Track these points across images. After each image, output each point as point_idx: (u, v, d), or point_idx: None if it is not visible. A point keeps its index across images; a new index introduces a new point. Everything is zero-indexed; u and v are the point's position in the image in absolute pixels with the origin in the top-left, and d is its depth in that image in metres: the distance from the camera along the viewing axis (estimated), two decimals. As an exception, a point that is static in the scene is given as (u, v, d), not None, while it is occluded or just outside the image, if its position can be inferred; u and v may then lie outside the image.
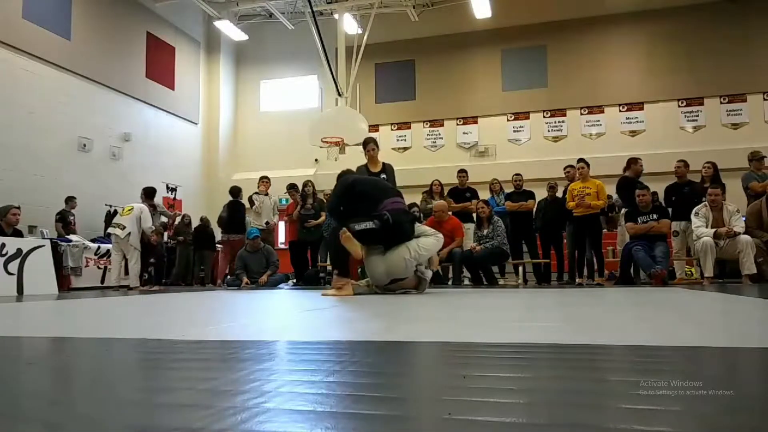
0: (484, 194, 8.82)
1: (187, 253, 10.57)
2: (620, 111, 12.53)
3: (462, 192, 8.63)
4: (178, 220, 10.66)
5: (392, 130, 13.78)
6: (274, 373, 1.12)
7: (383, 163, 6.44)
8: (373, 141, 6.56)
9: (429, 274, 4.80)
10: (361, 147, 6.51)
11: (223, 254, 9.82)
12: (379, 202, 4.62)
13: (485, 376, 1.08)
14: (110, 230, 8.12)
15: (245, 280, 7.99)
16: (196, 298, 4.87)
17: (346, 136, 10.18)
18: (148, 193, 8.74)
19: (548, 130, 12.89)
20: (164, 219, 9.62)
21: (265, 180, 9.21)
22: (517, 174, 8.68)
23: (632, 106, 12.46)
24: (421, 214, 8.38)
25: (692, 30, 12.15)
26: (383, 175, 6.30)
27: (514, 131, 13.07)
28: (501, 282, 8.02)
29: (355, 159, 11.06)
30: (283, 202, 10.35)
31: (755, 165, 7.47)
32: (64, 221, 9.05)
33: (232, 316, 2.83)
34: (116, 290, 7.69)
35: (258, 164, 13.58)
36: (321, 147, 10.88)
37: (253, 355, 1.40)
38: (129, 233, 7.88)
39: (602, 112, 12.64)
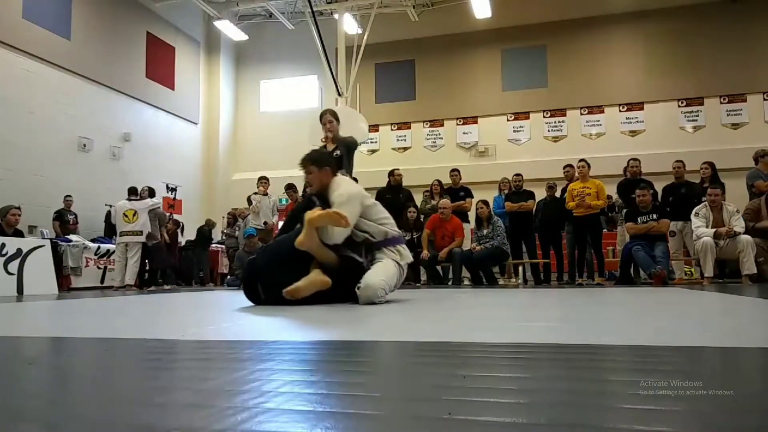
0: (482, 194, 8.80)
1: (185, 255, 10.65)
2: (620, 111, 12.52)
3: (456, 191, 8.67)
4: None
5: (392, 130, 13.78)
6: (274, 373, 1.12)
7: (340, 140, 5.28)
8: (329, 112, 5.25)
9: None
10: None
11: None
12: None
13: (485, 376, 1.08)
14: (124, 239, 8.14)
15: (245, 280, 8.02)
16: (196, 298, 4.87)
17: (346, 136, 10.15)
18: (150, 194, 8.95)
19: (548, 130, 12.88)
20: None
21: (264, 181, 9.21)
22: (517, 174, 8.67)
23: (632, 106, 12.45)
24: (422, 216, 8.39)
25: (692, 30, 12.15)
26: (337, 152, 5.21)
27: (514, 131, 13.06)
28: (501, 282, 8.01)
29: (355, 159, 11.10)
30: (284, 202, 10.34)
31: (763, 163, 7.39)
32: (62, 220, 9.06)
33: (232, 316, 2.82)
34: (116, 290, 7.69)
35: (258, 164, 13.57)
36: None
37: (253, 355, 1.40)
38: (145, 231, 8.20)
39: (602, 112, 12.64)
